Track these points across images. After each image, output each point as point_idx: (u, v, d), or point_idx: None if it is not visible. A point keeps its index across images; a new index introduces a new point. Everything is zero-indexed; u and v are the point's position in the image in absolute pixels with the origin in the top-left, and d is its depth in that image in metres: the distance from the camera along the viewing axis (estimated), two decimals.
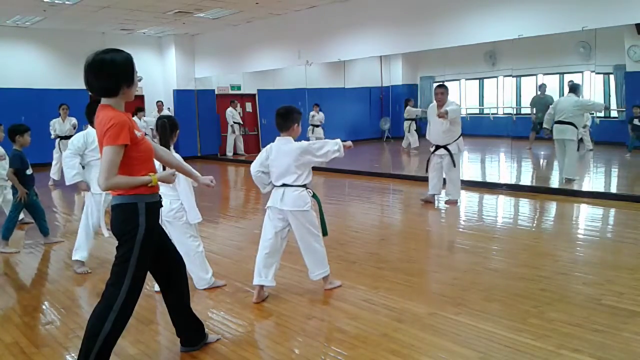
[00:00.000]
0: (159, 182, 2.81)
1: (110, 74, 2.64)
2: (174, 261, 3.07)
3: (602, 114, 13.32)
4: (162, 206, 2.93)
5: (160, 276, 3.05)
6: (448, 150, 7.52)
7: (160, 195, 2.90)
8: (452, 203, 7.75)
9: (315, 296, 4.15)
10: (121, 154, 2.59)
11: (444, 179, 7.88)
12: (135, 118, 12.92)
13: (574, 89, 9.00)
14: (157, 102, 14.31)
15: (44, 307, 4.05)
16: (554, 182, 9.45)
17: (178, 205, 4.16)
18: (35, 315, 3.97)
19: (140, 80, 2.83)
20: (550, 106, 9.28)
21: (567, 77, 13.36)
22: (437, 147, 7.64)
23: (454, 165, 7.55)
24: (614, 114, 13.28)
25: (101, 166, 2.60)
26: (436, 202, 7.90)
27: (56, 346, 3.39)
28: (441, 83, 8.23)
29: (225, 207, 8.79)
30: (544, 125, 9.29)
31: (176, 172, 2.99)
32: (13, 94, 12.84)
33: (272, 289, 4.19)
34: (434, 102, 7.63)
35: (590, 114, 11.81)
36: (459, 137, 7.59)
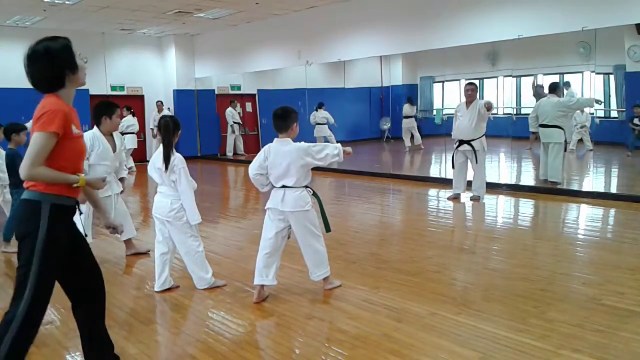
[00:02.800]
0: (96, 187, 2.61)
1: (51, 63, 2.43)
2: (90, 275, 2.71)
3: (602, 114, 13.34)
4: (75, 213, 2.60)
5: (72, 290, 2.69)
6: (472, 146, 7.58)
7: (76, 201, 2.58)
8: (476, 199, 7.84)
9: (315, 296, 4.15)
10: (51, 142, 2.37)
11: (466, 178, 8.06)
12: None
13: (554, 89, 8.80)
14: (157, 102, 14.32)
15: None
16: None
17: (179, 205, 4.16)
18: None
19: (86, 62, 2.61)
20: (532, 109, 9.21)
21: (567, 77, 13.38)
22: (461, 143, 7.72)
23: (476, 162, 7.63)
24: (614, 114, 13.29)
25: (27, 152, 2.37)
26: (461, 199, 8.02)
27: (56, 346, 3.39)
28: (471, 81, 8.20)
29: (225, 207, 8.79)
30: (530, 129, 9.22)
31: (107, 179, 2.69)
32: (13, 94, 12.82)
33: (272, 289, 4.19)
34: (463, 99, 7.82)
35: (590, 113, 11.84)
36: (483, 135, 7.66)
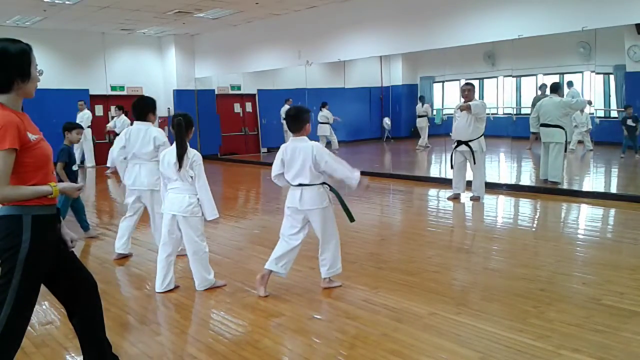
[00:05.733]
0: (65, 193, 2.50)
1: (2, 65, 2.29)
2: (81, 281, 2.65)
3: (602, 114, 13.34)
4: (59, 221, 2.52)
5: (65, 299, 2.64)
6: (469, 147, 7.58)
7: (57, 208, 2.49)
8: (475, 200, 7.82)
9: (315, 296, 4.15)
10: (10, 159, 2.23)
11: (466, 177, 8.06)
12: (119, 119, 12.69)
13: (555, 89, 8.82)
14: (78, 101, 13.41)
15: (44, 307, 4.05)
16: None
17: (195, 200, 4.17)
18: (36, 315, 3.96)
19: (41, 74, 2.51)
20: (534, 109, 9.22)
21: (567, 77, 13.38)
22: (460, 143, 7.72)
23: (474, 163, 7.63)
24: (614, 114, 13.28)
25: None
26: (461, 199, 8.01)
27: (56, 346, 3.39)
28: (469, 81, 8.23)
29: (226, 207, 8.77)
30: (531, 130, 9.24)
31: (82, 187, 2.56)
32: None
33: (272, 289, 4.20)
34: (461, 99, 7.82)
35: (590, 113, 11.86)
36: (481, 135, 7.64)
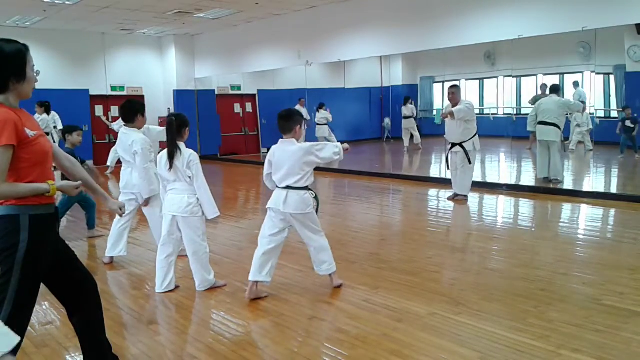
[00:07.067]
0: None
1: None
2: (81, 281, 2.64)
3: (602, 114, 13.36)
4: (57, 220, 2.53)
5: (65, 299, 2.62)
6: (463, 147, 7.60)
7: (56, 207, 2.48)
8: (461, 199, 7.82)
9: (315, 296, 4.15)
10: (7, 156, 2.22)
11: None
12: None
13: (555, 89, 8.93)
14: (37, 102, 11.25)
15: (44, 307, 4.05)
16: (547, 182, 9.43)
17: (194, 200, 4.17)
18: (36, 315, 3.96)
19: (38, 74, 2.45)
20: (532, 108, 9.29)
21: (567, 77, 13.39)
22: (453, 145, 7.74)
23: (469, 162, 7.63)
24: (614, 114, 13.29)
25: None
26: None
27: (56, 346, 3.39)
28: (453, 84, 8.24)
29: (225, 207, 8.77)
30: (528, 128, 9.36)
31: (80, 185, 2.56)
32: None
33: (272, 289, 4.20)
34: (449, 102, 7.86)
35: (590, 114, 11.88)
36: (475, 135, 7.65)
